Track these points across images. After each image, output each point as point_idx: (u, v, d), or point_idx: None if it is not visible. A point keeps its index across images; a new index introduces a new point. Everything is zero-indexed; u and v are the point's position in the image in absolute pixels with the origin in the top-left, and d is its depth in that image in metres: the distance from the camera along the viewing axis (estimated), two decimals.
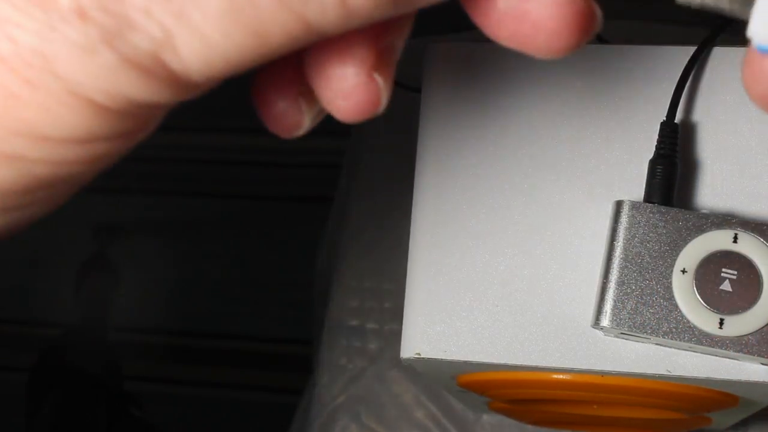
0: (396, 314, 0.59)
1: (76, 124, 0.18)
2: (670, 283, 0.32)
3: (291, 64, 0.22)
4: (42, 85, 0.18)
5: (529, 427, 0.53)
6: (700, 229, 0.32)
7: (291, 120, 0.22)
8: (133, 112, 0.19)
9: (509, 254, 0.34)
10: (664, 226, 0.32)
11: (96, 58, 0.18)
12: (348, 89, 0.21)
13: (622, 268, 0.32)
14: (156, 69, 0.18)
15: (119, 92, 0.18)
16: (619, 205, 0.32)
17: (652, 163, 0.33)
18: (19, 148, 0.19)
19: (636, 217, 0.32)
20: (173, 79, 0.18)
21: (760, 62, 0.19)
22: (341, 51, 0.20)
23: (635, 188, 0.33)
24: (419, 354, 0.34)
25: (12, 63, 0.18)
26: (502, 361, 0.34)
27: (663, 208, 0.32)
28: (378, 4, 0.19)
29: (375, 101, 0.21)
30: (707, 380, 0.33)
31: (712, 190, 0.33)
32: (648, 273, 0.32)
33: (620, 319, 0.32)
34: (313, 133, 0.24)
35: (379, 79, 0.21)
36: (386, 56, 0.21)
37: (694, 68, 0.33)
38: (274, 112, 0.22)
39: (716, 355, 0.32)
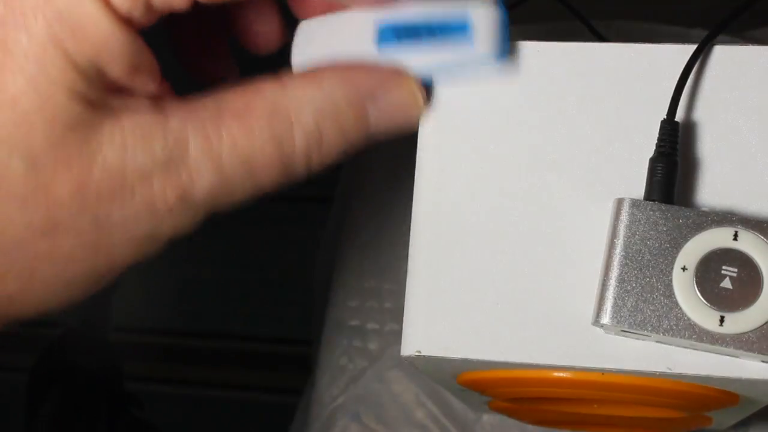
0: (396, 314, 0.59)
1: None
2: (671, 280, 0.32)
3: None
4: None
5: (530, 426, 0.53)
6: (701, 227, 0.32)
7: None
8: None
9: (509, 252, 0.34)
10: (665, 224, 0.32)
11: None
12: None
13: (622, 266, 0.32)
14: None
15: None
16: (619, 203, 0.32)
17: (653, 162, 0.33)
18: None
19: (636, 215, 0.32)
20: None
21: None
22: None
23: (636, 186, 0.33)
24: (420, 352, 0.34)
25: None
26: (503, 359, 0.34)
27: (663, 206, 0.32)
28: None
29: None
30: (708, 378, 0.33)
31: (713, 188, 0.33)
32: (648, 270, 0.32)
33: (621, 317, 0.32)
34: None
35: None
36: None
37: (694, 66, 0.33)
38: None
39: (717, 353, 0.32)
